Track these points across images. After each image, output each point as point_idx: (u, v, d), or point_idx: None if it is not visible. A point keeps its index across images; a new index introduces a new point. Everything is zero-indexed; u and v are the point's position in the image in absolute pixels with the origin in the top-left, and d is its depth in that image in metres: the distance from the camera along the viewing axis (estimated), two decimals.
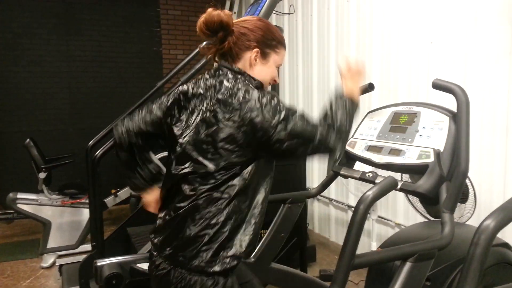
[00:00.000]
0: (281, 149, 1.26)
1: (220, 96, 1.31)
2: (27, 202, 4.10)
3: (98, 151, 2.14)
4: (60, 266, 3.53)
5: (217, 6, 1.39)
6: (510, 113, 2.56)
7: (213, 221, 1.27)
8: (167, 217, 1.36)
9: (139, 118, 1.47)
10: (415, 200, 2.47)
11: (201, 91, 1.38)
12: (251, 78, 1.37)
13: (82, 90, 5.85)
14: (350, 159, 1.84)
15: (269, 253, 1.85)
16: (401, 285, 1.18)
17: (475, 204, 2.14)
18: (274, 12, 2.54)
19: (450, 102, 1.66)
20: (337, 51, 4.13)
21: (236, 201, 1.28)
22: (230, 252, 1.27)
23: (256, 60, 1.39)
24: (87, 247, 4.22)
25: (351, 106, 1.40)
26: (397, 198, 3.42)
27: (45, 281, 3.71)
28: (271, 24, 1.48)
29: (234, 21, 1.39)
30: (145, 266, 1.65)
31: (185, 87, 1.43)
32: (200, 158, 1.30)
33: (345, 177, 1.86)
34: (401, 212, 3.43)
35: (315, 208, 4.68)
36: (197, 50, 3.04)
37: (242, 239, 1.31)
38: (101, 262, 1.67)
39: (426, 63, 3.13)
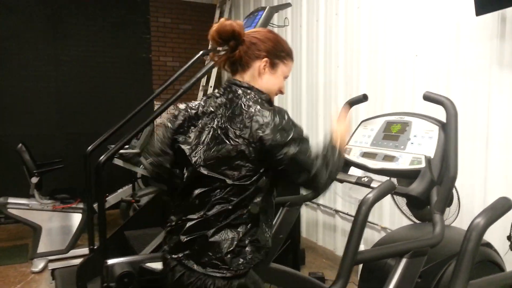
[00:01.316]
0: (278, 169, 1.34)
1: (230, 114, 1.39)
2: (18, 206, 4.10)
3: (103, 156, 2.21)
4: (53, 270, 3.55)
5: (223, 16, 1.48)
6: (490, 123, 2.73)
7: (230, 229, 1.34)
8: (182, 222, 1.41)
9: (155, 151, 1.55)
10: (402, 204, 2.62)
11: (211, 109, 1.45)
12: (260, 93, 1.44)
13: (70, 94, 5.86)
14: (345, 165, 1.97)
15: (269, 253, 1.95)
16: (398, 279, 1.30)
17: (459, 208, 2.30)
18: (270, 24, 2.66)
19: (434, 111, 1.82)
20: (325, 62, 4.28)
21: (251, 210, 1.36)
22: (247, 257, 1.35)
23: (265, 69, 1.46)
24: (78, 251, 4.25)
25: (340, 157, 1.46)
26: (383, 203, 3.56)
27: (37, 286, 3.72)
28: (281, 36, 1.55)
29: (245, 32, 1.46)
30: (153, 265, 1.73)
31: (193, 104, 1.51)
32: (214, 174, 1.36)
33: (341, 181, 1.99)
34: (387, 216, 3.58)
35: (303, 213, 4.79)
36: (195, 58, 3.13)
37: (258, 245, 1.38)
38: (111, 262, 1.75)
39: (412, 75, 3.30)
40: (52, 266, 3.61)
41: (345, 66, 4.01)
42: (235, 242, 1.33)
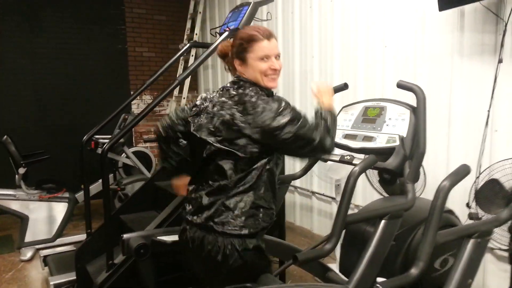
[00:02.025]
0: (286, 148, 1.60)
1: (236, 103, 1.64)
2: (5, 197, 4.16)
3: (106, 144, 2.37)
4: (45, 257, 3.66)
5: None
6: (451, 106, 3.06)
7: (243, 194, 1.59)
8: (203, 189, 1.67)
9: (175, 117, 1.87)
10: (374, 181, 2.92)
11: (223, 99, 1.71)
12: (257, 86, 1.69)
13: (47, 87, 5.87)
14: None
15: None
16: (379, 237, 1.56)
17: (425, 182, 2.61)
18: (254, 19, 2.87)
19: (401, 97, 2.11)
20: (301, 53, 4.53)
21: (261, 181, 1.61)
22: (259, 218, 1.60)
23: (241, 67, 1.72)
24: (65, 239, 4.37)
25: (334, 116, 1.74)
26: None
27: (28, 273, 3.84)
28: (243, 30, 1.80)
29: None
30: (164, 238, 1.93)
31: (205, 95, 1.80)
32: (228, 148, 1.61)
33: (325, 161, 2.24)
34: (359, 195, 3.89)
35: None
36: (183, 50, 3.33)
37: (266, 209, 1.64)
38: (127, 236, 1.94)
39: (381, 64, 3.59)
40: (43, 253, 3.70)
41: (320, 56, 4.27)
42: (249, 205, 1.58)
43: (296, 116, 1.58)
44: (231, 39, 1.80)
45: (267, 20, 3.68)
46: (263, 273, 1.66)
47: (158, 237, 1.92)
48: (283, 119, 1.54)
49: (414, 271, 1.29)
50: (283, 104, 1.60)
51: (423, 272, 1.29)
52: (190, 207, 1.70)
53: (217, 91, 1.79)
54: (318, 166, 4.19)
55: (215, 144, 1.64)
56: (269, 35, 1.69)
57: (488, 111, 2.80)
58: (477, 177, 2.26)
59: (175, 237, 1.84)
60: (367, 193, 3.68)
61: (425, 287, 1.77)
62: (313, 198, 4.58)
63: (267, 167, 1.63)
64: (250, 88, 1.67)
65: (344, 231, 2.02)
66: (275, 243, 2.18)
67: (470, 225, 1.60)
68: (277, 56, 1.72)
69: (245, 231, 1.57)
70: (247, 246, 1.57)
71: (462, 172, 1.47)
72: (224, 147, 1.62)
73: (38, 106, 5.84)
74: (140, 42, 6.52)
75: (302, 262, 1.40)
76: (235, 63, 1.74)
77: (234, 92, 1.69)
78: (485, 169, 2.25)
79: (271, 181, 1.66)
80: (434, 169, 3.09)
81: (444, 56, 3.09)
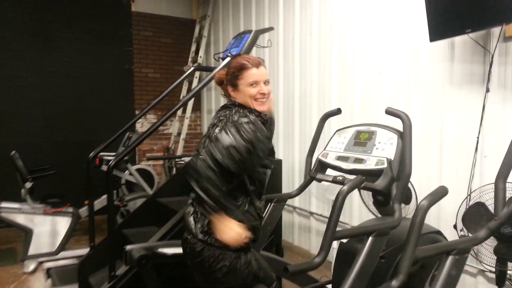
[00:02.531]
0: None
1: (222, 124, 1.80)
2: (10, 211, 4.28)
3: (111, 161, 2.51)
4: (48, 269, 3.76)
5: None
6: (443, 132, 3.20)
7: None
8: (198, 213, 1.80)
9: None
10: (369, 203, 3.04)
11: (215, 121, 1.89)
12: (244, 108, 1.85)
13: (55, 104, 6.05)
14: (323, 167, 2.37)
15: (260, 242, 2.31)
16: (366, 252, 1.68)
17: (417, 203, 2.73)
18: (255, 45, 3.05)
19: (395, 122, 2.24)
20: (301, 77, 4.71)
21: (245, 201, 1.76)
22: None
23: (233, 93, 1.90)
24: (67, 253, 4.45)
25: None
26: (353, 205, 3.98)
27: (31, 284, 3.92)
28: (234, 60, 1.96)
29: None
30: (165, 250, 2.05)
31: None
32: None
33: (319, 180, 2.38)
34: (356, 217, 3.99)
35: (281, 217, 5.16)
36: (188, 73, 3.50)
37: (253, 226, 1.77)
38: (130, 247, 2.06)
39: (377, 90, 3.75)
40: (47, 266, 3.80)
41: (318, 80, 4.45)
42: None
43: (244, 151, 1.65)
44: (224, 65, 1.97)
45: (267, 47, 3.87)
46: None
47: (159, 249, 2.03)
48: (228, 136, 1.67)
49: (394, 283, 1.41)
50: (251, 129, 1.71)
51: (403, 284, 1.41)
52: (190, 228, 1.84)
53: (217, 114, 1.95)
54: (316, 187, 4.33)
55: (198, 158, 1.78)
56: (258, 64, 1.87)
57: (477, 137, 2.93)
58: (463, 200, 2.38)
59: (175, 250, 1.96)
60: (363, 214, 3.78)
61: None
62: (311, 219, 4.68)
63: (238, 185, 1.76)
64: (236, 109, 1.83)
65: (337, 249, 2.15)
66: (271, 259, 2.29)
67: (448, 242, 1.72)
68: (266, 82, 1.88)
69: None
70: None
71: (440, 193, 1.60)
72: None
73: (46, 122, 6.00)
74: (146, 63, 6.74)
75: (292, 273, 1.51)
76: (228, 89, 1.91)
77: (222, 114, 1.87)
78: (471, 192, 2.37)
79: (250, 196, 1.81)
80: (427, 192, 3.20)
81: (435, 84, 3.25)
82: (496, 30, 2.83)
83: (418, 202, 2.87)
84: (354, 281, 1.61)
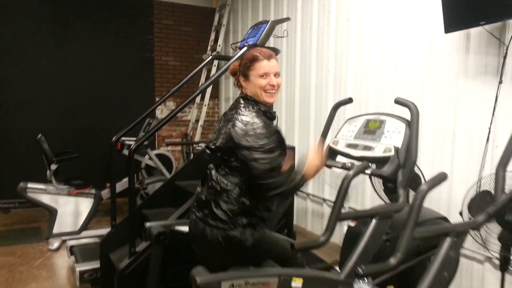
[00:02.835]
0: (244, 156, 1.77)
1: (232, 116, 1.89)
2: (36, 191, 4.51)
3: (133, 145, 2.65)
4: (71, 247, 3.96)
5: None
6: (456, 122, 3.24)
7: (231, 197, 1.83)
8: (204, 193, 1.93)
9: None
10: (380, 190, 3.12)
11: (228, 115, 1.97)
12: (253, 104, 1.92)
13: (77, 92, 6.24)
14: (334, 154, 2.45)
15: (272, 225, 2.42)
16: (370, 234, 1.78)
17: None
18: (272, 35, 3.13)
19: (406, 112, 2.31)
20: (317, 66, 4.77)
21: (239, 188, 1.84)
22: (247, 215, 1.84)
23: (244, 83, 1.98)
24: (89, 232, 4.66)
25: (300, 183, 1.81)
26: (365, 192, 4.06)
27: (56, 260, 4.15)
28: (248, 51, 2.04)
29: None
30: (180, 228, 2.18)
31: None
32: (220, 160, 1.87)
33: (329, 167, 2.47)
34: (368, 205, 4.07)
35: (294, 202, 5.27)
36: (206, 61, 3.61)
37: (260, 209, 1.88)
38: (149, 224, 2.20)
39: (392, 80, 3.80)
40: (70, 243, 3.99)
41: (335, 70, 4.50)
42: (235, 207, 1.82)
43: (261, 148, 1.74)
44: (239, 56, 2.06)
45: (284, 37, 3.94)
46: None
47: (176, 227, 2.17)
48: (248, 142, 1.75)
49: (393, 260, 1.50)
50: (259, 130, 1.79)
51: (400, 262, 1.50)
52: (195, 210, 1.98)
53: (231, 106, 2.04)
54: (329, 174, 4.41)
55: (206, 150, 1.93)
56: (269, 56, 1.94)
57: (489, 128, 2.97)
58: (470, 188, 2.44)
59: None
60: (376, 202, 3.85)
61: None
62: (324, 205, 4.77)
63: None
64: (245, 103, 1.92)
65: (345, 232, 2.25)
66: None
67: (447, 225, 1.80)
68: (277, 74, 1.96)
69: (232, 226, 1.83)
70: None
71: (439, 178, 1.67)
72: (215, 157, 1.89)
73: (68, 109, 6.21)
74: (167, 51, 6.87)
75: (298, 249, 1.62)
76: (240, 79, 1.99)
77: (234, 108, 1.95)
78: (478, 181, 2.43)
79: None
80: None
81: (450, 75, 3.28)
82: (511, 22, 2.85)
83: None
84: (357, 260, 1.71)
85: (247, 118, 1.83)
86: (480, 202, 2.32)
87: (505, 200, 1.60)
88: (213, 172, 1.90)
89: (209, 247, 1.85)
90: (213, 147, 1.91)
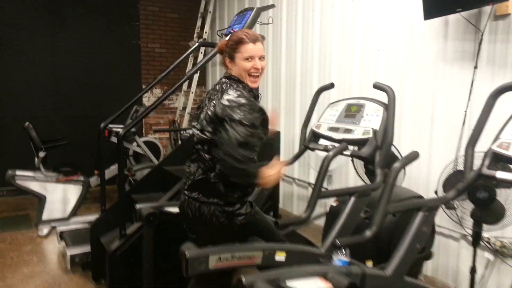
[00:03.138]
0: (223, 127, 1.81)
1: (218, 95, 1.94)
2: (25, 178, 4.54)
3: (122, 130, 2.71)
4: (61, 233, 4.01)
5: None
6: (435, 106, 3.36)
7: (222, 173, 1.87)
8: (194, 171, 1.99)
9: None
10: (362, 173, 3.24)
11: (211, 92, 2.04)
12: (238, 82, 1.97)
13: (65, 79, 6.25)
14: (317, 137, 2.56)
15: (256, 205, 2.52)
16: (348, 210, 1.89)
17: (405, 173, 2.92)
18: (257, 22, 3.19)
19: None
20: (302, 53, 4.85)
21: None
22: (237, 191, 1.91)
23: (230, 64, 2.02)
24: (78, 219, 4.72)
25: (252, 179, 1.78)
26: (348, 176, 4.18)
27: (46, 246, 4.21)
28: (234, 33, 2.08)
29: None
30: (171, 209, 2.27)
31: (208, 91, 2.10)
32: (203, 134, 1.93)
33: (312, 149, 2.57)
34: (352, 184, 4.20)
35: (280, 186, 5.39)
36: (193, 48, 3.66)
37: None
38: (139, 206, 2.29)
39: (374, 66, 3.90)
40: (60, 229, 4.05)
41: (319, 57, 4.59)
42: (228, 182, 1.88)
43: (247, 122, 1.77)
44: (227, 38, 2.09)
45: (269, 23, 4.00)
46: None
47: (165, 208, 2.26)
48: (236, 115, 1.78)
49: (368, 233, 1.61)
50: (249, 106, 1.83)
51: (375, 234, 1.61)
52: (186, 187, 2.05)
53: (214, 86, 2.08)
54: (315, 158, 4.52)
55: (198, 134, 1.97)
56: (255, 39, 1.98)
57: (465, 112, 3.10)
58: (444, 168, 2.57)
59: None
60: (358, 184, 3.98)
61: None
62: (310, 189, 4.89)
63: None
64: (231, 83, 1.97)
65: (327, 212, 2.36)
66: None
67: (419, 200, 1.92)
68: (261, 58, 2.00)
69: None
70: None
71: (411, 157, 1.79)
72: (203, 136, 1.93)
73: (56, 96, 6.22)
74: (153, 38, 6.88)
75: (282, 226, 1.73)
76: (226, 60, 2.04)
77: (219, 87, 2.00)
78: (451, 162, 2.55)
79: None
80: (418, 161, 3.38)
81: (429, 61, 3.40)
82: (487, 9, 2.96)
83: (405, 170, 3.07)
84: (336, 235, 1.82)
85: (232, 95, 1.88)
86: (453, 181, 2.45)
87: (473, 177, 1.71)
88: (202, 152, 1.95)
89: (204, 225, 1.92)
90: (198, 126, 1.97)
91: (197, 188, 1.97)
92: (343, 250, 1.58)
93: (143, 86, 6.79)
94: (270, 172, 1.78)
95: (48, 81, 6.14)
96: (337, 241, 1.54)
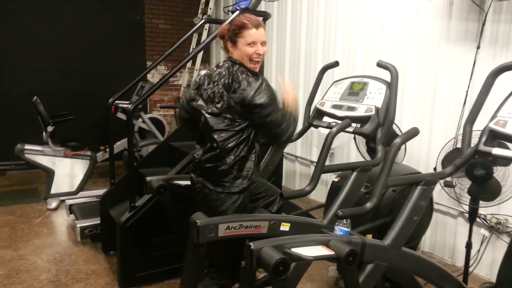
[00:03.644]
0: (255, 122, 1.94)
1: (225, 80, 1.98)
2: (34, 152, 4.64)
3: (131, 105, 2.78)
4: (70, 205, 4.13)
5: None
6: (437, 85, 3.42)
7: (229, 160, 1.97)
8: (202, 156, 2.07)
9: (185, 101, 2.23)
10: (364, 151, 3.33)
11: (214, 76, 2.06)
12: (243, 66, 2.01)
13: (69, 54, 6.26)
14: (320, 114, 2.63)
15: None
16: (350, 184, 1.98)
17: (405, 150, 3.00)
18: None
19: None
20: (307, 32, 4.87)
21: (241, 148, 1.97)
22: (241, 180, 1.98)
23: (232, 48, 2.06)
24: (86, 193, 4.83)
25: (296, 115, 2.00)
26: (350, 155, 4.27)
27: (55, 219, 4.34)
28: (237, 17, 2.12)
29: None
30: (180, 182, 2.36)
31: (204, 71, 2.14)
32: (216, 122, 1.99)
33: (316, 126, 2.65)
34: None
35: (283, 164, 5.48)
36: (198, 25, 3.69)
37: (248, 171, 2.01)
38: (149, 178, 2.38)
39: (378, 45, 3.94)
40: (69, 202, 4.16)
41: (324, 35, 4.62)
42: (235, 171, 1.98)
43: (272, 98, 1.91)
44: (227, 22, 2.13)
45: (274, 0, 4.02)
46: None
47: (174, 181, 2.36)
48: (261, 99, 1.88)
49: (369, 205, 1.70)
50: (264, 85, 1.93)
51: (375, 206, 1.70)
52: (193, 170, 2.14)
53: (213, 68, 2.13)
54: (318, 136, 4.60)
55: (205, 114, 2.02)
56: (258, 25, 2.02)
57: (467, 91, 3.16)
58: (444, 146, 2.64)
59: (188, 182, 2.26)
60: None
61: None
62: (312, 167, 4.99)
63: (246, 136, 1.98)
64: (238, 67, 2.00)
65: (330, 186, 2.45)
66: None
67: (418, 175, 2.01)
68: (263, 43, 2.04)
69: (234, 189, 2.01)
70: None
71: (411, 133, 1.86)
72: (212, 116, 1.99)
73: (59, 71, 6.25)
74: (157, 14, 6.86)
75: (286, 198, 1.82)
76: (228, 44, 2.07)
77: (224, 70, 2.03)
78: (450, 140, 2.63)
79: (251, 149, 2.02)
80: (419, 139, 3.46)
81: (432, 40, 3.44)
82: None
83: (405, 148, 3.15)
84: (337, 208, 1.92)
85: (246, 79, 1.93)
86: (452, 158, 2.53)
87: (470, 153, 1.79)
88: (214, 135, 1.99)
89: (212, 203, 2.00)
90: (216, 111, 1.99)
91: (205, 174, 2.03)
92: (344, 220, 1.67)
93: (147, 62, 6.83)
94: (288, 96, 1.98)
95: (50, 56, 6.16)
96: (339, 212, 1.63)
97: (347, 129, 2.28)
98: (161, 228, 2.92)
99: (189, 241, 2.04)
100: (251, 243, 1.44)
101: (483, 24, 3.03)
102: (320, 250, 1.51)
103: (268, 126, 1.92)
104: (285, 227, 1.82)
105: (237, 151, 1.97)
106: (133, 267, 2.94)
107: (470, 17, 3.16)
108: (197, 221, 1.68)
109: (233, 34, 2.04)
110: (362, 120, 2.29)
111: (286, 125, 1.91)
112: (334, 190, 2.43)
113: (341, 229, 1.71)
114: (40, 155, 4.67)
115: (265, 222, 1.77)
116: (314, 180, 1.89)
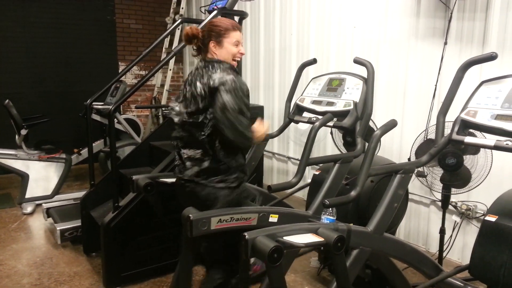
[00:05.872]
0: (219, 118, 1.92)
1: (203, 79, 2.01)
2: (7, 156, 4.53)
3: (111, 107, 2.78)
4: (47, 209, 4.06)
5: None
6: (407, 80, 3.58)
7: (217, 158, 2.00)
8: (184, 154, 2.09)
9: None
10: (340, 145, 3.44)
11: (191, 78, 2.10)
12: (223, 63, 2.06)
13: (41, 55, 6.14)
14: (300, 110, 2.72)
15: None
16: (333, 175, 2.07)
17: (380, 143, 3.13)
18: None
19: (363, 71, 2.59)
20: (281, 30, 4.96)
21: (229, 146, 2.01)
22: (232, 177, 2.02)
23: (215, 48, 2.08)
24: (62, 197, 4.76)
25: (249, 141, 1.99)
26: (326, 149, 4.40)
27: (32, 223, 4.27)
28: (218, 20, 2.18)
29: (200, 28, 2.17)
30: (166, 180, 2.39)
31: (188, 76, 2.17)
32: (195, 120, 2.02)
33: (297, 122, 2.74)
34: None
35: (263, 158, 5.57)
36: (174, 26, 3.70)
37: (238, 168, 2.06)
38: (136, 177, 2.40)
39: (351, 42, 4.07)
40: (46, 206, 4.09)
41: (298, 34, 4.72)
42: (221, 169, 2.01)
43: (237, 95, 1.93)
44: (201, 26, 2.16)
45: (251, 0, 4.08)
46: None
47: (161, 179, 2.39)
48: (227, 86, 1.92)
49: (353, 193, 1.79)
50: (237, 82, 1.97)
51: (359, 194, 1.80)
52: (178, 170, 2.16)
53: (193, 72, 2.15)
54: (294, 131, 4.71)
55: (184, 117, 2.06)
56: (240, 28, 2.15)
57: (436, 85, 3.33)
58: (416, 138, 2.79)
59: (173, 179, 2.30)
60: None
61: None
62: (289, 163, 5.10)
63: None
64: (216, 64, 2.05)
65: (311, 179, 2.55)
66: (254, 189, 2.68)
67: (397, 164, 2.13)
68: (242, 44, 2.16)
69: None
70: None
71: (390, 125, 1.97)
72: (190, 119, 2.02)
73: (32, 73, 6.11)
74: (128, 14, 6.81)
75: (274, 190, 1.89)
76: (210, 44, 2.09)
77: (201, 71, 2.07)
78: (422, 131, 2.78)
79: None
80: (391, 132, 3.60)
81: (402, 37, 3.59)
82: None
83: (380, 140, 3.30)
84: (322, 198, 2.01)
85: (220, 72, 1.99)
86: (425, 149, 2.67)
87: (444, 142, 1.91)
88: (199, 137, 2.01)
89: (202, 202, 2.01)
90: (189, 110, 2.02)
91: (189, 170, 2.05)
92: (330, 209, 1.76)
93: (119, 63, 6.77)
94: (259, 128, 2.03)
95: (22, 57, 6.01)
96: (326, 201, 1.72)
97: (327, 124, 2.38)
98: (146, 227, 2.95)
99: (183, 242, 2.07)
100: (245, 233, 1.51)
101: (449, 21, 3.20)
102: (310, 238, 1.59)
103: (226, 123, 1.90)
104: (273, 218, 1.89)
105: (221, 148, 2.00)
106: (118, 267, 2.95)
107: (437, 15, 3.32)
108: (190, 215, 1.73)
109: (219, 34, 2.09)
110: (341, 114, 2.39)
111: (240, 133, 1.91)
112: (315, 183, 2.53)
113: (327, 217, 1.80)
114: (14, 159, 4.58)
115: (255, 214, 1.84)
116: (300, 172, 1.97)
